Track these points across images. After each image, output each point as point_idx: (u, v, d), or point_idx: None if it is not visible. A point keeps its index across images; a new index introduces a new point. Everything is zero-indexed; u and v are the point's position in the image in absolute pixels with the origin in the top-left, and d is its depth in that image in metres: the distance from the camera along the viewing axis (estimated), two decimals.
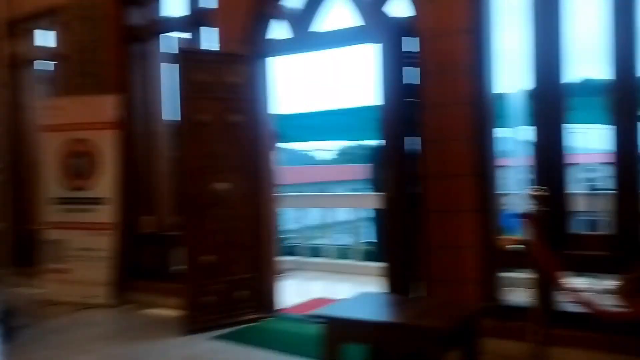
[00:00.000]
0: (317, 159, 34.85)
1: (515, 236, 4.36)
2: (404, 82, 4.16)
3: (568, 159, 3.84)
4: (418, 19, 4.12)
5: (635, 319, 2.14)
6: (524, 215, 3.09)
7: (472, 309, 3.31)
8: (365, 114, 7.37)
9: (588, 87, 5.79)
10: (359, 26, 4.43)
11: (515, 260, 3.76)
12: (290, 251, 7.76)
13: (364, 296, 3.61)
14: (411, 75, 4.15)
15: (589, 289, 4.55)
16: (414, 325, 2.85)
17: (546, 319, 3.21)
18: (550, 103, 3.79)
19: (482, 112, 4.00)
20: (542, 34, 3.78)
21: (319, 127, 9.56)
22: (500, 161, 4.30)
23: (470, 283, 3.96)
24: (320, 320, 2.99)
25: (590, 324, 3.28)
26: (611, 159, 3.62)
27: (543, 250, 2.87)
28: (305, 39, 4.79)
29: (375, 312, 3.25)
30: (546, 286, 3.17)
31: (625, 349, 3.28)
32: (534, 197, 3.07)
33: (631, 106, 3.54)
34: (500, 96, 5.84)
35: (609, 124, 3.62)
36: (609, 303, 3.04)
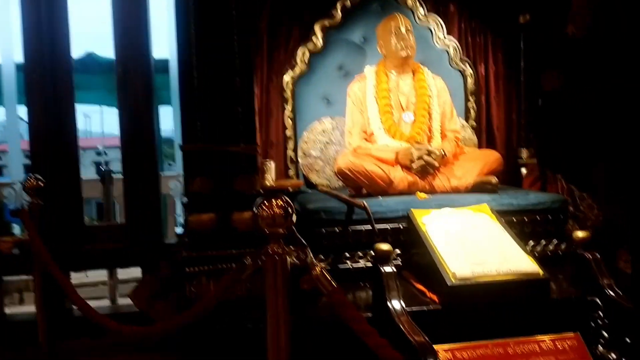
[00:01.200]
0: None
1: (16, 235, 3.65)
2: None
3: (78, 143, 3.43)
4: None
5: (158, 334, 1.78)
6: (16, 212, 2.44)
7: None
8: None
9: (94, 65, 5.38)
10: None
11: (20, 264, 3.14)
12: None
13: None
14: None
15: (106, 283, 4.24)
16: None
17: (54, 329, 2.68)
18: (49, 80, 3.25)
19: None
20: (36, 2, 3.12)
21: None
22: None
23: None
24: None
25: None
26: (125, 142, 3.36)
27: (41, 250, 2.29)
28: None
29: None
30: (51, 292, 2.63)
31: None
32: (28, 188, 2.45)
33: (145, 87, 3.28)
34: None
35: (121, 106, 3.34)
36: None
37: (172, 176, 4.62)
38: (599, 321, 2.21)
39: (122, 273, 4.16)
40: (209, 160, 2.13)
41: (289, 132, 3.32)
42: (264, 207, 1.37)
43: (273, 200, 1.37)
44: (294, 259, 1.88)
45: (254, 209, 1.39)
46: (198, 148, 2.09)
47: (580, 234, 2.37)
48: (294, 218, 1.40)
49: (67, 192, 3.32)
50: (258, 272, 1.55)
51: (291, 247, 1.54)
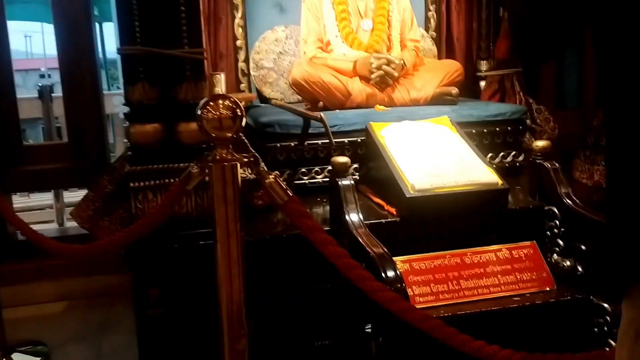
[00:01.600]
0: None
1: None
2: None
3: (11, 57, 3.12)
4: None
5: (101, 251, 1.67)
6: None
7: None
8: None
9: None
10: None
11: None
12: None
13: None
14: None
15: (52, 206, 4.06)
16: None
17: None
18: None
19: None
20: None
21: None
22: None
23: None
24: None
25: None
26: (63, 57, 3.09)
27: None
28: None
29: None
30: None
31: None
32: None
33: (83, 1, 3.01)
34: None
35: (57, 18, 3.03)
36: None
37: (117, 94, 4.37)
38: (555, 230, 2.22)
39: (70, 196, 3.99)
40: (150, 66, 1.93)
41: (239, 42, 3.09)
42: (209, 109, 1.23)
43: (220, 100, 1.23)
44: (247, 172, 1.76)
45: (198, 111, 1.25)
46: (137, 51, 1.89)
47: (540, 143, 2.32)
48: (243, 122, 1.28)
49: (2, 112, 3.11)
50: (207, 186, 1.43)
51: (242, 154, 1.42)
